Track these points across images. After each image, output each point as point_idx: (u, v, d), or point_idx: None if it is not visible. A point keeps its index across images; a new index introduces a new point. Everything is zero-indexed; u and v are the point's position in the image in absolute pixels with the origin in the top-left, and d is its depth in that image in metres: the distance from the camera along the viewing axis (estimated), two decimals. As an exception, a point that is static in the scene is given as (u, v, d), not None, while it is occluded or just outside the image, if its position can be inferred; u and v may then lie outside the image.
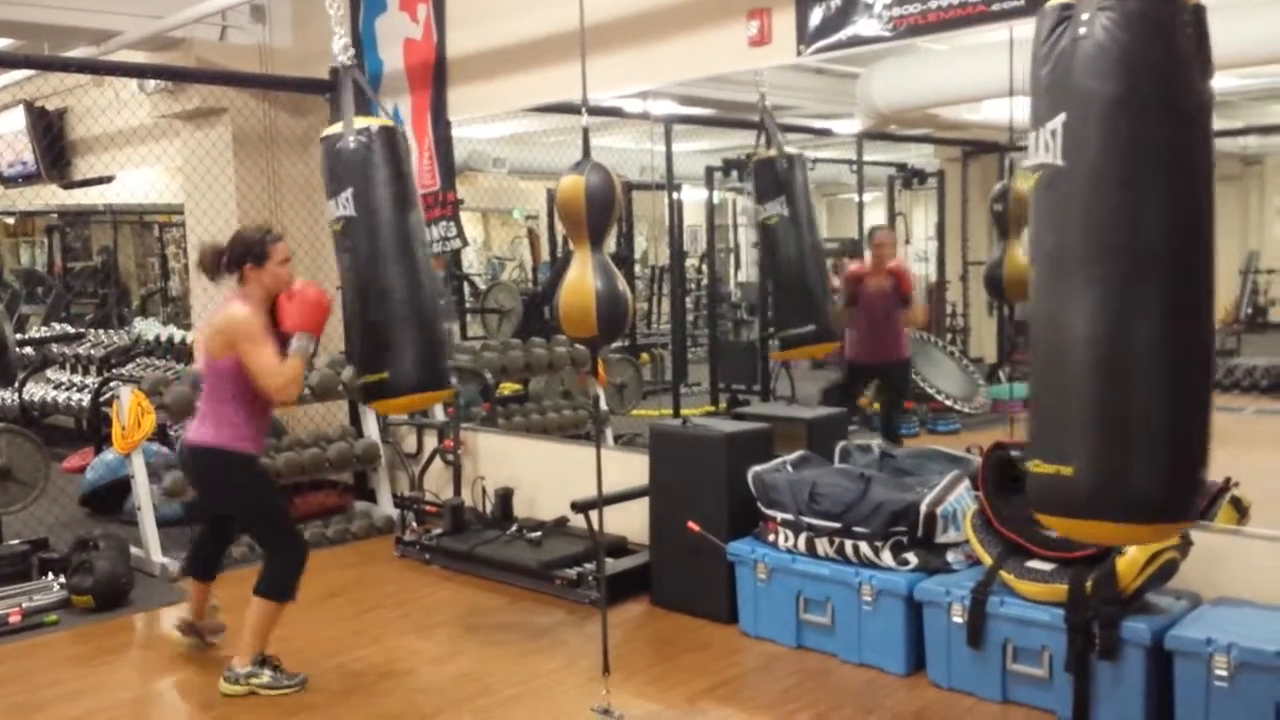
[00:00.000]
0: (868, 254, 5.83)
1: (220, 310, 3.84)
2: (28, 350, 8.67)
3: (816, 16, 4.31)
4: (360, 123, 3.89)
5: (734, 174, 7.28)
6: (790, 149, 5.02)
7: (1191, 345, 2.14)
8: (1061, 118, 2.11)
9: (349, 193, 3.87)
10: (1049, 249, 2.20)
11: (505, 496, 5.54)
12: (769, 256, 5.32)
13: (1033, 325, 2.27)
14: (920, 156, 7.87)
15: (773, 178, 5.02)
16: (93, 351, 8.50)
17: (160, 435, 6.48)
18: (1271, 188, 9.07)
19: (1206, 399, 2.19)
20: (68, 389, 8.15)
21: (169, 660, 4.24)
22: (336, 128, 3.93)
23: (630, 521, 4.82)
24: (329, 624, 4.56)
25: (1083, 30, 2.07)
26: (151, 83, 6.75)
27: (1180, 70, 2.08)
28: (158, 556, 5.26)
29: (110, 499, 6.19)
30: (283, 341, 3.82)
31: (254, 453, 3.93)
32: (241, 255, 3.85)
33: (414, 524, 5.70)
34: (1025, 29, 3.91)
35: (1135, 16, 2.06)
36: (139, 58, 6.59)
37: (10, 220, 12.96)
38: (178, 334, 8.51)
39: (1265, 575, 3.45)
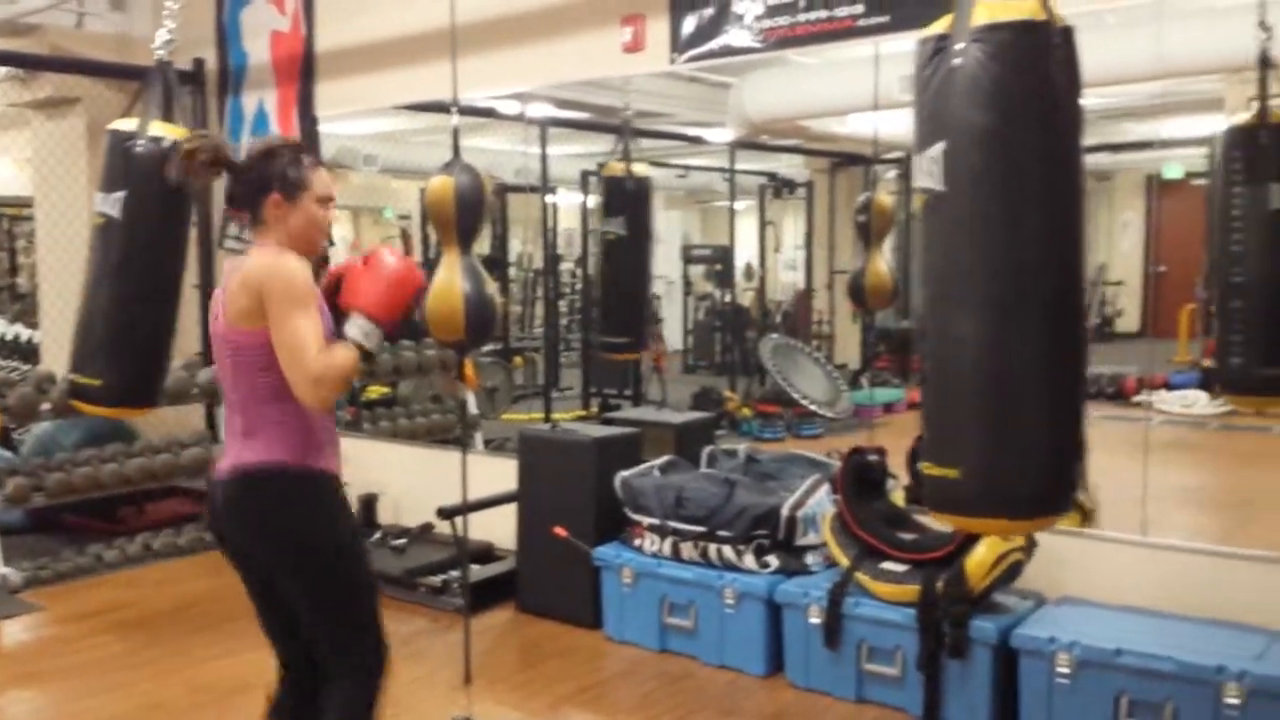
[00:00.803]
0: None
1: (247, 260, 2.43)
2: None
3: (689, 25, 4.36)
4: (157, 129, 3.72)
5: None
6: (640, 168, 5.06)
7: (1066, 357, 2.24)
8: (941, 145, 2.18)
9: (120, 195, 3.72)
10: (937, 270, 2.28)
11: (369, 503, 5.43)
12: (603, 268, 5.39)
13: (925, 339, 2.34)
14: (790, 167, 8.03)
15: (619, 195, 5.07)
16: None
17: (3, 439, 6.18)
18: (1120, 203, 9.52)
19: (1080, 406, 2.31)
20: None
21: (8, 673, 4.04)
22: (131, 123, 3.75)
23: (498, 527, 4.77)
24: (180, 635, 4.40)
25: (957, 61, 2.14)
26: (1, 70, 6.43)
27: (1051, 97, 2.16)
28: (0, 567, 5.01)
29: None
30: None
31: (334, 472, 2.50)
32: (266, 180, 2.45)
33: (274, 530, 5.52)
34: (890, 45, 4.05)
35: (1006, 46, 2.13)
36: (-12, 43, 6.28)
37: None
38: (25, 333, 8.12)
39: (1106, 576, 3.61)
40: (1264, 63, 3.31)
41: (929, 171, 2.20)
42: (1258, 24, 3.23)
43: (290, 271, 2.35)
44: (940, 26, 2.21)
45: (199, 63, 6.15)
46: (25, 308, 10.18)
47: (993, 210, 2.17)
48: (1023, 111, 2.14)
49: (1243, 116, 3.38)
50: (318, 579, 2.45)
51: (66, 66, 6.11)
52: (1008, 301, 2.17)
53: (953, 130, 2.17)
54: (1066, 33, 2.18)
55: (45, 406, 5.33)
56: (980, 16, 2.13)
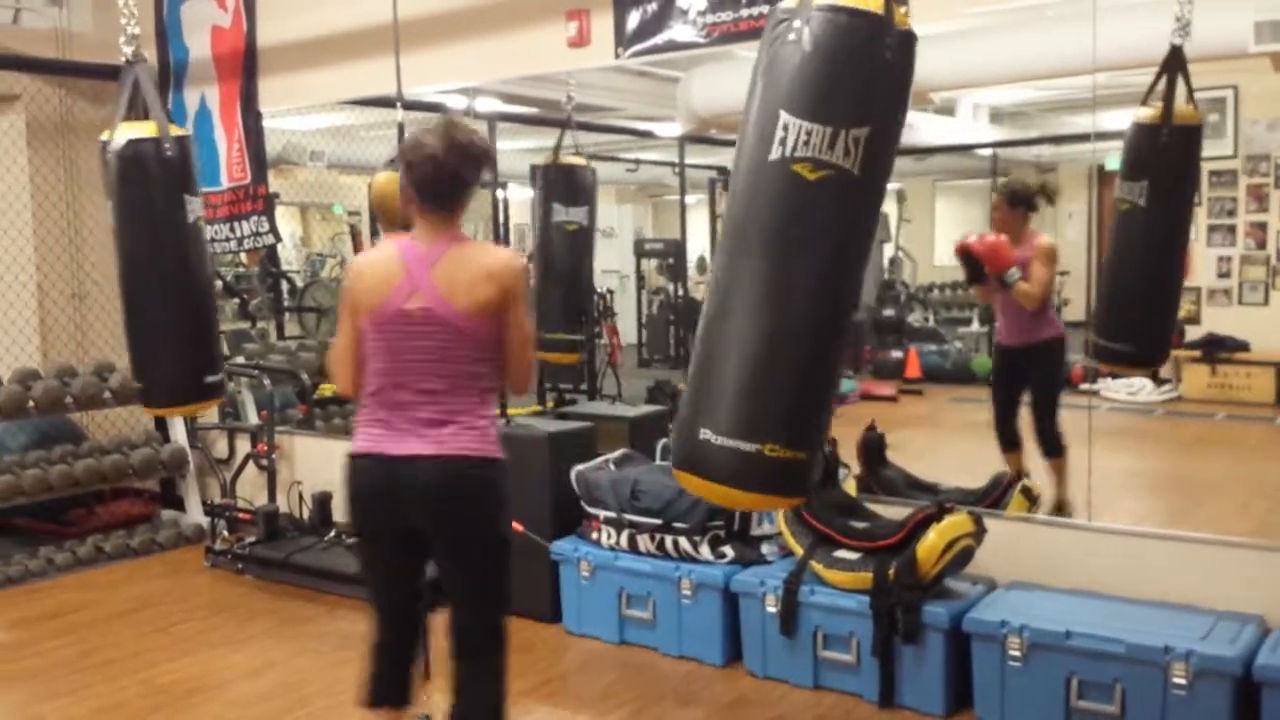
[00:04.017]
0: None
1: (465, 249, 2.53)
2: None
3: (634, 20, 4.36)
4: (124, 133, 3.67)
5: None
6: (589, 163, 5.12)
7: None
8: (867, 129, 2.16)
9: (111, 204, 3.72)
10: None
11: (323, 501, 5.39)
12: (553, 261, 5.39)
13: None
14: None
15: (577, 184, 5.08)
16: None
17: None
18: (1065, 194, 9.67)
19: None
20: None
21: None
22: (106, 132, 3.72)
23: (453, 523, 4.76)
24: (134, 638, 4.35)
25: (791, 36, 2.15)
26: (-67, 66, 6.29)
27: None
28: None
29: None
30: None
31: None
32: (483, 164, 2.59)
33: (225, 532, 5.48)
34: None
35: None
36: (-81, 38, 6.13)
37: None
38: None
39: (1054, 560, 3.68)
40: (1173, 61, 3.42)
41: (847, 149, 2.13)
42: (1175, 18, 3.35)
43: (527, 269, 2.57)
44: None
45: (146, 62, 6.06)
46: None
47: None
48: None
49: (1145, 113, 3.50)
50: (499, 553, 2.66)
51: (4, 64, 5.99)
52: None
53: (877, 116, 2.18)
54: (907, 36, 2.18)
55: (-11, 410, 5.24)
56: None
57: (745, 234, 2.20)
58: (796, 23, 2.14)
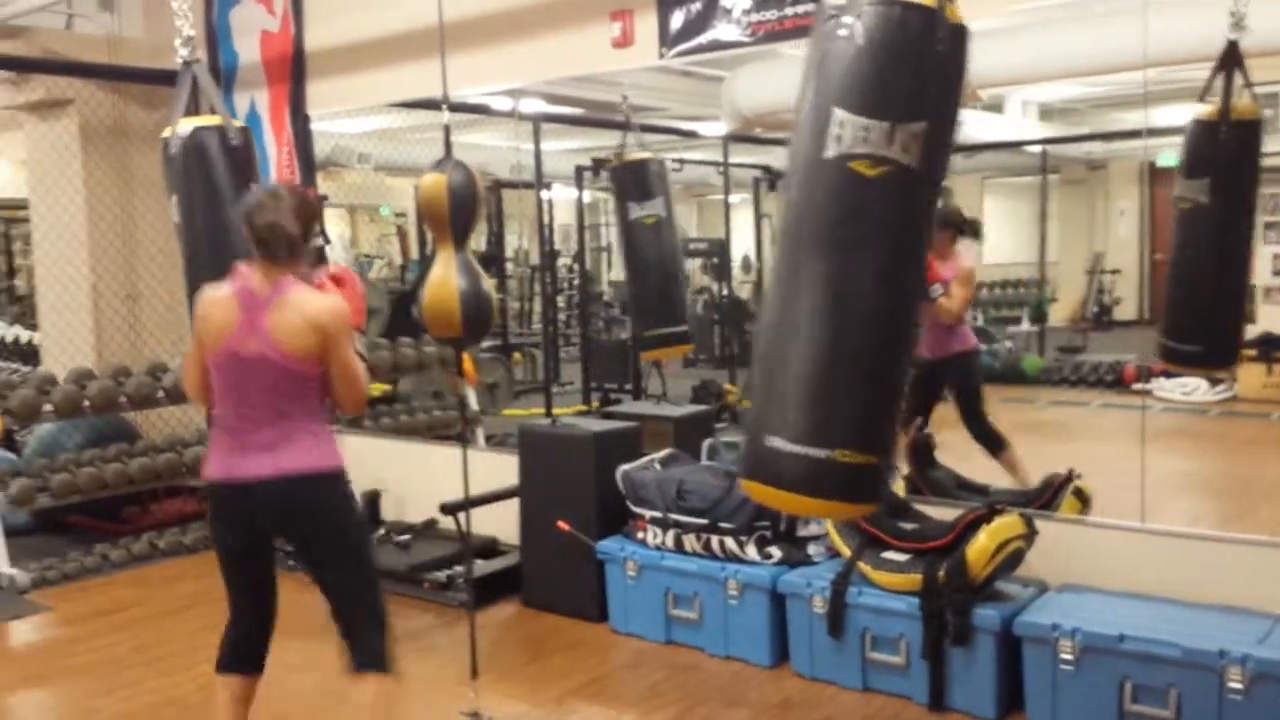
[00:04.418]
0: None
1: (297, 296, 2.80)
2: None
3: (678, 20, 4.36)
4: (188, 124, 3.74)
5: (603, 174, 7.31)
6: (651, 153, 5.13)
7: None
8: (924, 124, 2.13)
9: (173, 200, 3.76)
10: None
11: (372, 499, 5.45)
12: (639, 257, 5.39)
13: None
14: (785, 159, 8.02)
15: (647, 179, 5.08)
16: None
17: (6, 440, 6.18)
18: (1115, 191, 9.54)
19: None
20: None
21: (19, 673, 4.06)
22: (168, 130, 3.79)
23: (500, 522, 4.79)
24: (187, 634, 4.42)
25: (843, 32, 2.13)
26: (-8, 72, 6.43)
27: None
28: (5, 568, 5.01)
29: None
30: None
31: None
32: (312, 221, 2.93)
33: (277, 529, 5.54)
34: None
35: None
36: (-23, 45, 6.27)
37: None
38: (24, 335, 8.12)
39: (1107, 562, 3.62)
40: (1230, 57, 3.36)
41: (904, 146, 2.11)
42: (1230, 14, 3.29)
43: (346, 315, 2.82)
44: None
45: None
46: (24, 309, 10.19)
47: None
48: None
49: (1203, 109, 3.44)
50: (347, 546, 2.97)
51: (58, 69, 6.10)
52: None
53: (931, 111, 2.16)
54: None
55: (47, 408, 5.34)
56: None
57: (802, 234, 2.18)
58: (848, 18, 2.12)
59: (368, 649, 2.99)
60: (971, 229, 5.36)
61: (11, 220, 11.41)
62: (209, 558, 5.44)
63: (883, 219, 2.14)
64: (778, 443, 2.17)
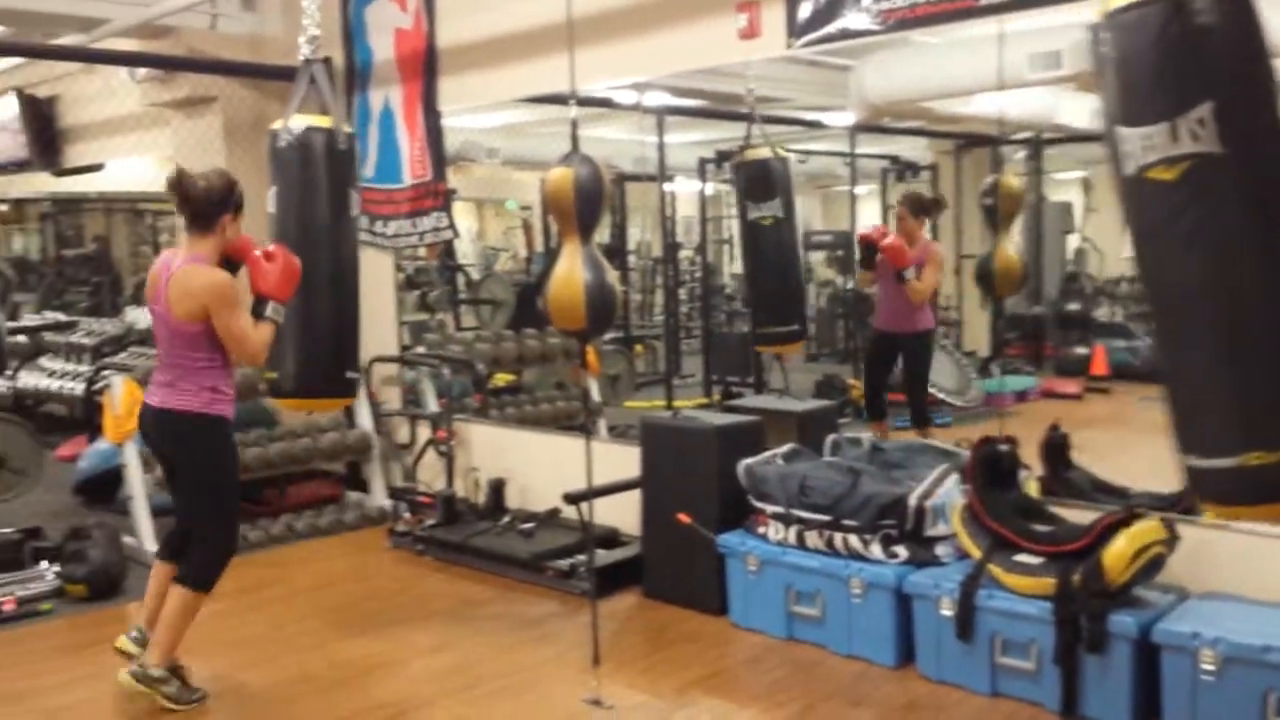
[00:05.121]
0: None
1: (183, 269, 3.48)
2: (21, 338, 8.66)
3: (806, 10, 4.31)
4: (299, 121, 3.88)
5: (726, 166, 7.28)
6: (779, 149, 5.08)
7: None
8: (1209, 105, 2.11)
9: (273, 191, 3.91)
10: (1210, 238, 2.21)
11: (498, 488, 5.55)
12: (757, 256, 5.41)
13: (1198, 319, 2.27)
14: (914, 149, 7.87)
15: (768, 177, 5.06)
16: (85, 340, 8.48)
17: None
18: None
19: None
20: (61, 377, 8.15)
21: (161, 651, 4.24)
22: (279, 122, 3.95)
23: (622, 513, 4.83)
24: (321, 613, 4.57)
25: (1204, 19, 2.09)
26: (141, 71, 6.73)
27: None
28: (151, 546, 5.25)
29: (104, 488, 6.18)
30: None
31: (231, 418, 3.71)
32: (227, 201, 3.55)
33: (407, 515, 5.71)
34: (1015, 24, 3.94)
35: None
36: (129, 45, 6.57)
37: (3, 207, 12.92)
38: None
39: (1253, 570, 3.47)
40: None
41: (1193, 134, 2.11)
42: None
43: (228, 286, 3.49)
44: None
45: (327, 62, 6.32)
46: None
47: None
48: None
49: None
50: (204, 474, 3.69)
51: (203, 67, 6.35)
52: None
53: (1222, 88, 2.10)
54: None
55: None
56: None
57: (1144, 256, 2.24)
58: (1102, 34, 2.13)
59: (190, 565, 3.67)
60: (937, 209, 5.84)
61: (158, 213, 11.96)
62: (342, 540, 5.66)
63: (1204, 214, 2.13)
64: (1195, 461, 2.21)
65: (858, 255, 5.45)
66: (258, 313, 3.59)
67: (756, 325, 5.45)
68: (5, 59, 8.07)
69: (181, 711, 3.62)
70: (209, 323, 3.48)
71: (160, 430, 3.67)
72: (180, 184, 3.50)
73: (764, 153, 5.12)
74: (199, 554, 3.68)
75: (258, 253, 3.61)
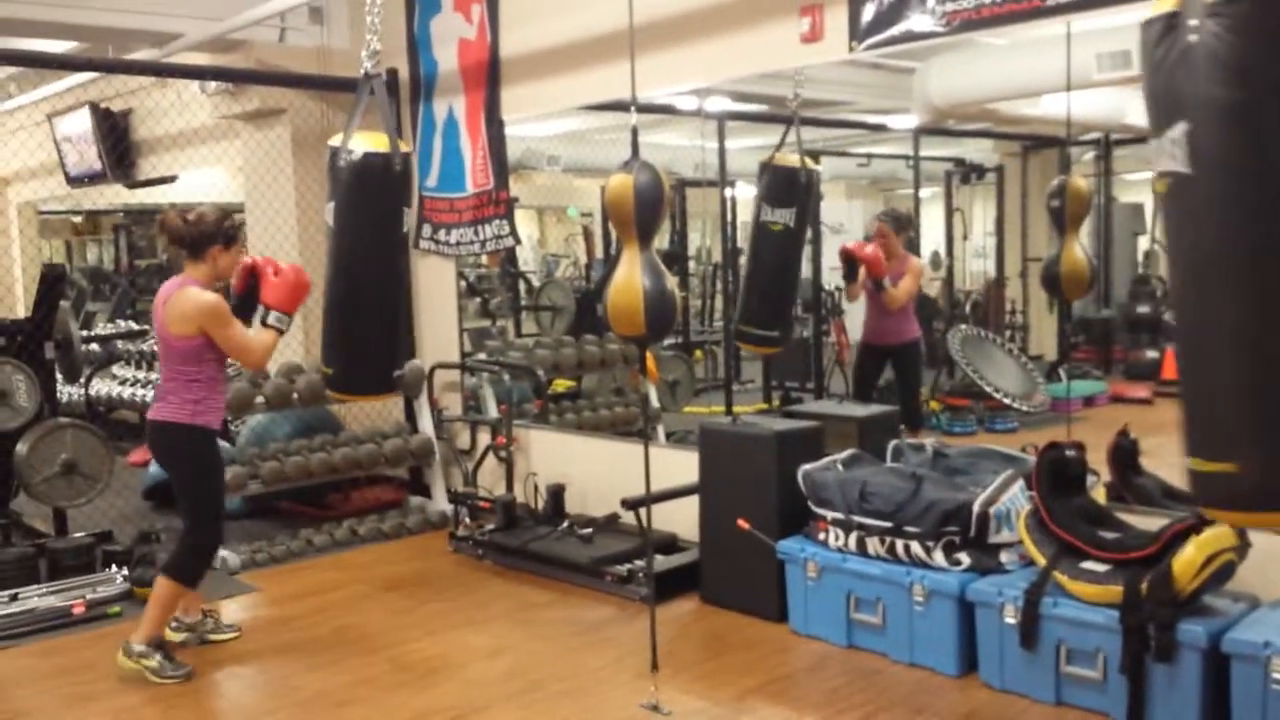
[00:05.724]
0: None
1: (177, 293, 3.91)
2: (94, 347, 8.88)
3: (869, 12, 4.28)
4: (360, 140, 3.98)
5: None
6: (810, 162, 5.09)
7: None
8: (1182, 126, 2.17)
9: (330, 206, 4.05)
10: (1186, 254, 2.28)
11: (557, 493, 5.57)
12: (756, 257, 5.46)
13: (1176, 328, 2.35)
14: (979, 151, 7.76)
15: (790, 186, 5.05)
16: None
17: (222, 431, 6.60)
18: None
19: None
20: (132, 385, 8.33)
21: (228, 651, 4.32)
22: (338, 138, 4.05)
23: (680, 519, 4.82)
24: (384, 616, 4.63)
25: (1192, 38, 2.10)
26: (212, 84, 6.87)
27: None
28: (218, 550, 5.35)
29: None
30: (246, 308, 4.09)
31: (217, 429, 4.07)
32: (214, 235, 3.95)
33: (467, 519, 5.76)
34: (1082, 23, 3.88)
35: (1247, 19, 2.10)
36: (200, 59, 6.72)
37: (78, 219, 13.26)
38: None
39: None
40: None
41: (1171, 154, 2.14)
42: None
43: (216, 305, 3.87)
44: (1168, 3, 2.15)
45: (393, 72, 6.43)
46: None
47: (1245, 189, 2.14)
48: (1269, 86, 2.10)
49: None
50: (188, 480, 4.07)
51: (271, 80, 6.47)
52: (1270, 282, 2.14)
53: (1194, 109, 2.14)
54: None
55: (259, 400, 5.69)
56: None
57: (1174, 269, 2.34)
58: (1192, 21, 2.18)
59: (171, 557, 4.08)
60: (911, 225, 6.33)
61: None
62: (406, 544, 5.72)
63: (1177, 227, 2.24)
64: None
65: (841, 269, 5.71)
66: (262, 320, 4.02)
67: (739, 320, 5.53)
68: (81, 74, 8.28)
69: (168, 684, 3.95)
70: (200, 339, 3.89)
71: (153, 439, 4.07)
72: (163, 225, 3.99)
73: (793, 161, 5.09)
74: (180, 549, 4.08)
75: (270, 270, 4.02)
